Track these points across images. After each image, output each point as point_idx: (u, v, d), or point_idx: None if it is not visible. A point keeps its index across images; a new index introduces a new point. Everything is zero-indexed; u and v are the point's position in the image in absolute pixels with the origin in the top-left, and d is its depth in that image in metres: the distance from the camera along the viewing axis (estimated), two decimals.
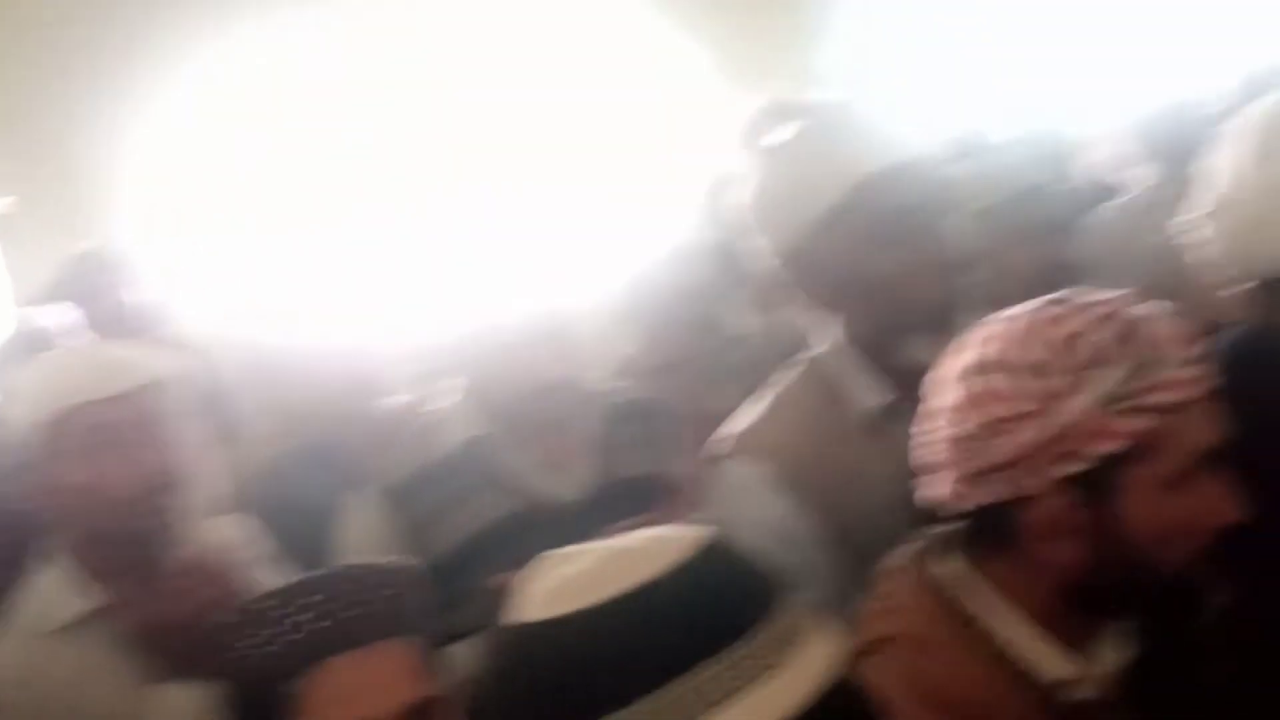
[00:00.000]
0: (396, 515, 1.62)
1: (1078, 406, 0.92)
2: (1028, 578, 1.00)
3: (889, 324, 1.34)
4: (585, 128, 4.80)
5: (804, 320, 1.44)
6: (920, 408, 1.07)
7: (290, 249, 3.26)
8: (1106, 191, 3.43)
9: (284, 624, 1.09)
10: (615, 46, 4.77)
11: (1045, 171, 1.96)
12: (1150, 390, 0.92)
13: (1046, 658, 0.99)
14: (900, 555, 1.09)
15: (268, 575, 1.50)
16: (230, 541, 1.58)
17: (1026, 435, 0.93)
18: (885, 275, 1.32)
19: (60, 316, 2.30)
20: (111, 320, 2.45)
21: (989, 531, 1.01)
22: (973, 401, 0.97)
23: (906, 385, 1.29)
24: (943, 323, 1.28)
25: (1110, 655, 1.02)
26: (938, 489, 1.03)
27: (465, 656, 1.29)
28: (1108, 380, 0.92)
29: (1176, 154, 2.83)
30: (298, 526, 1.64)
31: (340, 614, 1.09)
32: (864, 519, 1.26)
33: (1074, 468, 0.93)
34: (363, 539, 1.63)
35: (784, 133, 1.39)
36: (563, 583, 0.71)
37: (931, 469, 1.03)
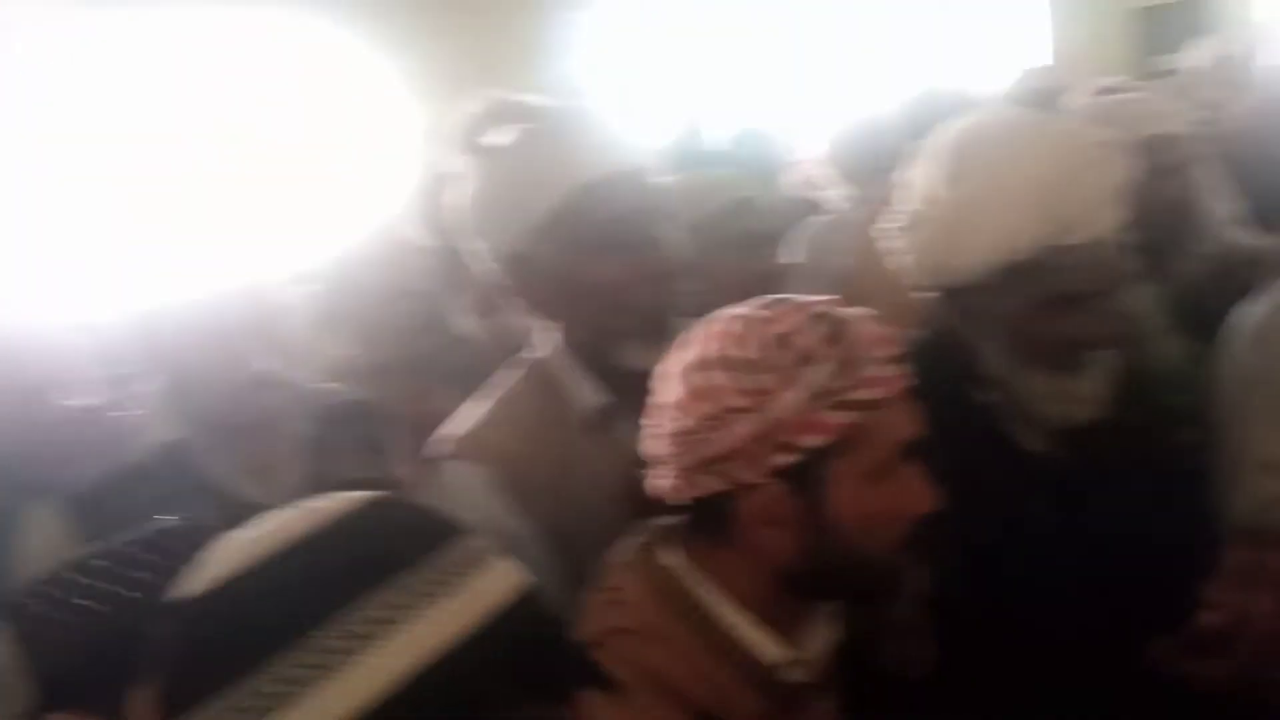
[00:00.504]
0: (83, 527, 1.47)
1: (790, 402, 0.97)
2: (744, 566, 1.04)
3: (607, 329, 1.36)
4: (287, 124, 4.66)
5: (524, 323, 1.44)
6: (638, 409, 1.10)
7: None
8: (811, 206, 3.68)
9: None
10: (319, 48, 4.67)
11: (756, 184, 2.06)
12: (855, 387, 0.98)
13: (763, 643, 1.04)
14: (626, 548, 1.12)
15: None
16: None
17: (742, 429, 0.98)
18: (604, 282, 1.33)
19: None
20: None
21: (708, 522, 1.05)
22: (693, 396, 1.01)
23: (624, 388, 1.32)
24: (659, 329, 1.31)
25: (819, 639, 1.08)
26: (661, 482, 1.05)
27: None
28: (817, 377, 0.97)
29: (866, 174, 3.08)
30: None
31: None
32: (587, 517, 1.27)
33: (786, 460, 0.98)
34: (45, 553, 1.46)
35: (504, 135, 1.38)
36: (227, 551, 0.70)
37: (656, 462, 1.06)
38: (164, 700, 0.67)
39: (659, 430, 1.06)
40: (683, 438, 1.02)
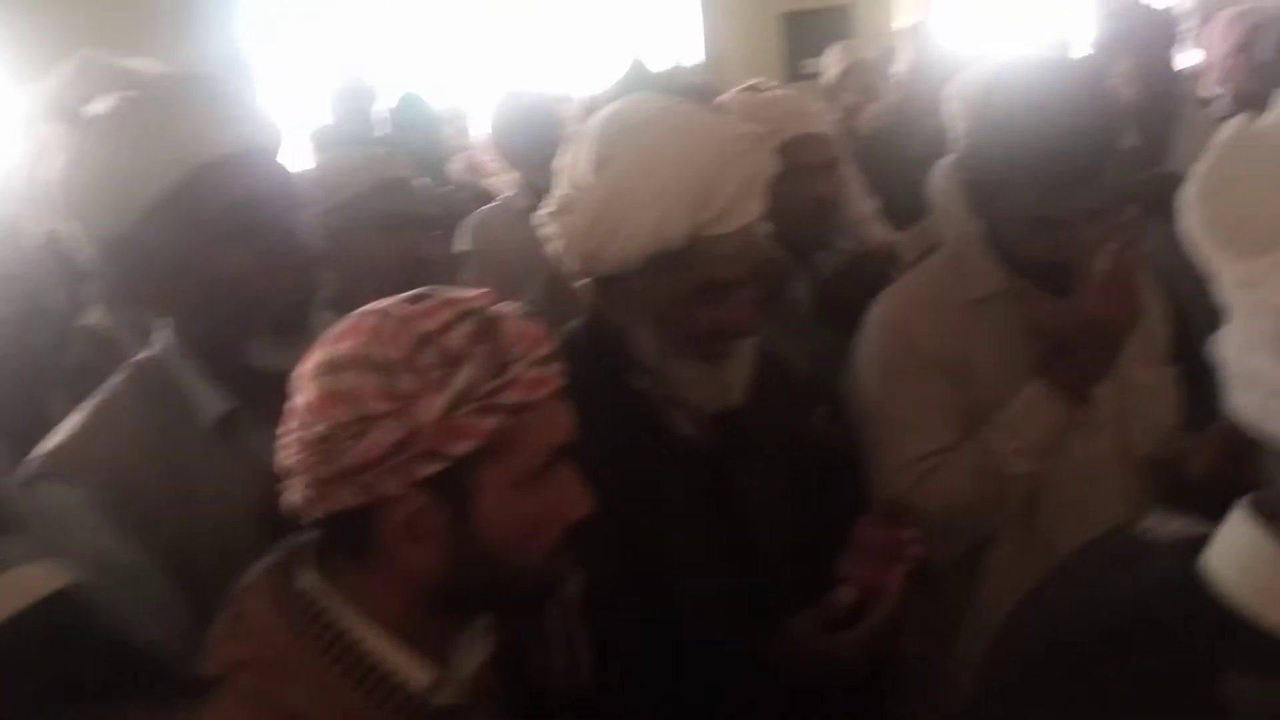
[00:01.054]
0: None
1: (434, 406, 0.89)
2: (387, 586, 0.96)
3: (231, 325, 1.21)
4: None
5: (135, 318, 1.27)
6: (273, 415, 0.99)
7: None
8: (482, 192, 3.61)
9: None
10: None
11: (410, 165, 1.93)
12: (505, 389, 0.92)
13: (409, 668, 0.96)
14: (255, 571, 1.00)
15: None
16: None
17: (382, 436, 0.89)
18: (224, 273, 1.18)
19: None
20: None
21: (347, 539, 0.96)
22: (328, 400, 0.91)
23: (255, 391, 1.18)
24: (295, 325, 1.20)
25: (471, 655, 1.02)
26: (295, 495, 0.95)
27: None
28: (464, 379, 0.90)
29: (531, 160, 3.05)
30: None
31: None
32: (215, 538, 1.13)
33: (431, 469, 0.91)
34: None
35: (105, 103, 1.19)
36: None
37: (289, 474, 0.95)
38: None
39: (291, 438, 0.95)
40: (317, 446, 0.92)
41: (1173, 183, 2.16)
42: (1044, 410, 1.54)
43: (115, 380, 1.26)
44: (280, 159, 1.26)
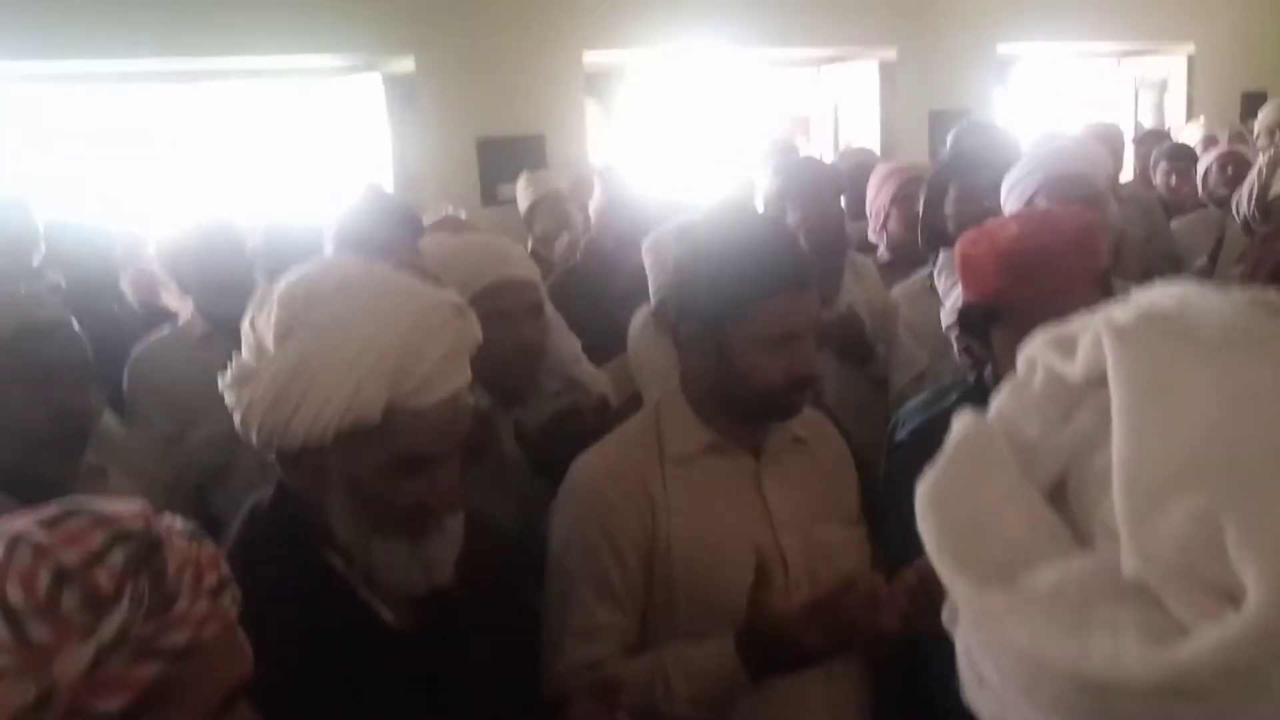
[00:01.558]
0: None
1: (77, 658, 0.74)
2: None
3: None
4: None
5: None
6: None
7: None
8: (156, 316, 3.29)
9: None
10: None
11: (58, 307, 1.70)
12: (165, 630, 0.78)
13: None
14: None
15: None
16: None
17: (10, 697, 0.73)
18: None
19: None
20: None
21: None
22: None
23: None
24: None
25: None
26: None
27: None
28: (113, 623, 0.76)
29: (206, 287, 2.83)
30: None
31: None
32: None
33: None
34: None
35: None
36: None
37: None
38: None
39: None
40: None
41: (847, 321, 2.31)
42: (728, 672, 1.51)
43: None
44: None
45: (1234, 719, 0.50)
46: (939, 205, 2.87)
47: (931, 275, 2.77)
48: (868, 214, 3.54)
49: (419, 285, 1.31)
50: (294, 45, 4.95)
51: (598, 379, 2.25)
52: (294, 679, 0.89)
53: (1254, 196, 2.94)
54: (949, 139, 4.39)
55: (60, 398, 1.62)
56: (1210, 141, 5.12)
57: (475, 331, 1.31)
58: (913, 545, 1.29)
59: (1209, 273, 3.70)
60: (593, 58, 5.72)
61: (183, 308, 3.06)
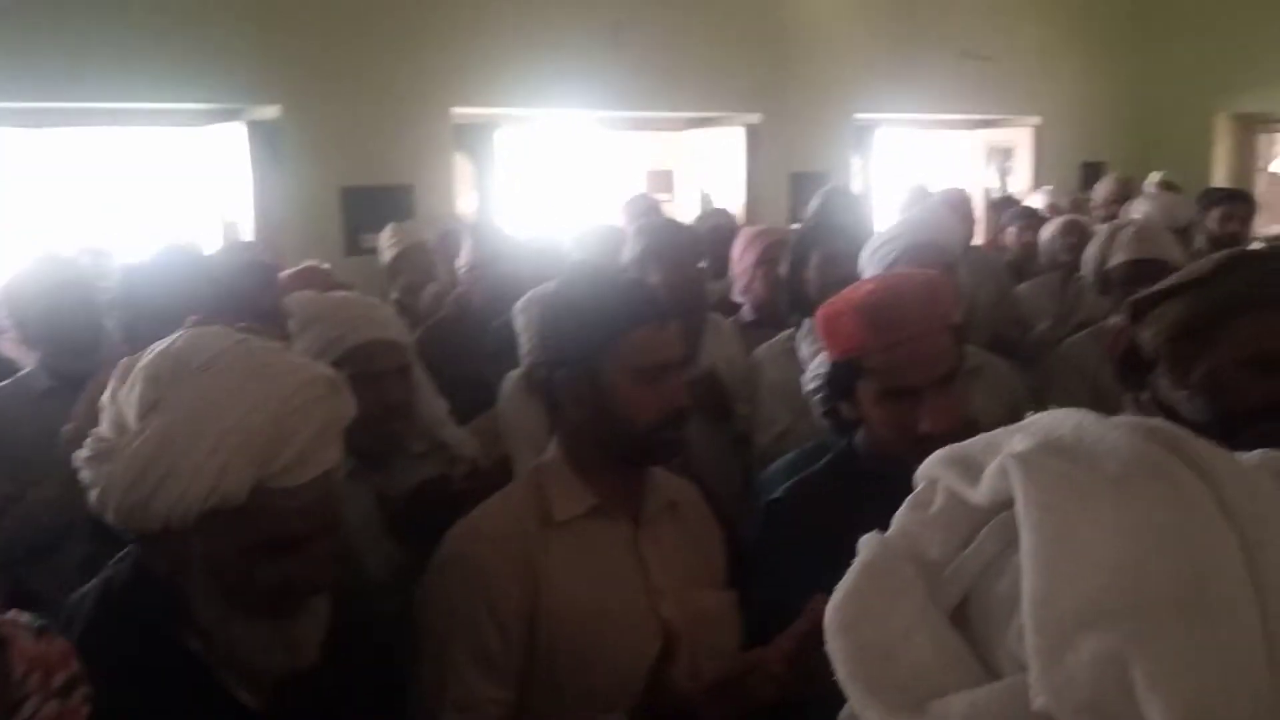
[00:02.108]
0: None
1: None
2: None
3: None
4: None
5: None
6: None
7: None
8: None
9: None
10: None
11: None
12: None
13: None
14: None
15: None
16: None
17: None
18: None
19: None
20: None
21: None
22: None
23: None
24: None
25: None
26: None
27: None
28: None
29: (53, 338, 2.70)
30: None
31: None
32: None
33: None
34: None
35: None
36: None
37: None
38: None
39: None
40: None
41: (708, 381, 2.36)
42: None
43: None
44: None
45: None
46: (802, 269, 2.96)
47: (794, 336, 2.85)
48: (732, 275, 3.62)
49: (292, 360, 1.27)
50: (157, 89, 4.80)
51: (465, 441, 2.23)
52: None
53: (1095, 266, 3.11)
54: (812, 205, 4.54)
55: None
56: (1053, 209, 5.43)
57: (349, 406, 1.28)
58: (787, 605, 1.32)
59: (1053, 334, 3.89)
60: (462, 111, 5.72)
61: (25, 357, 2.91)
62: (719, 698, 1.43)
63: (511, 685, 1.59)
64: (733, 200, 6.87)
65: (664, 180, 7.85)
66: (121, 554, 1.30)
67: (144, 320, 2.40)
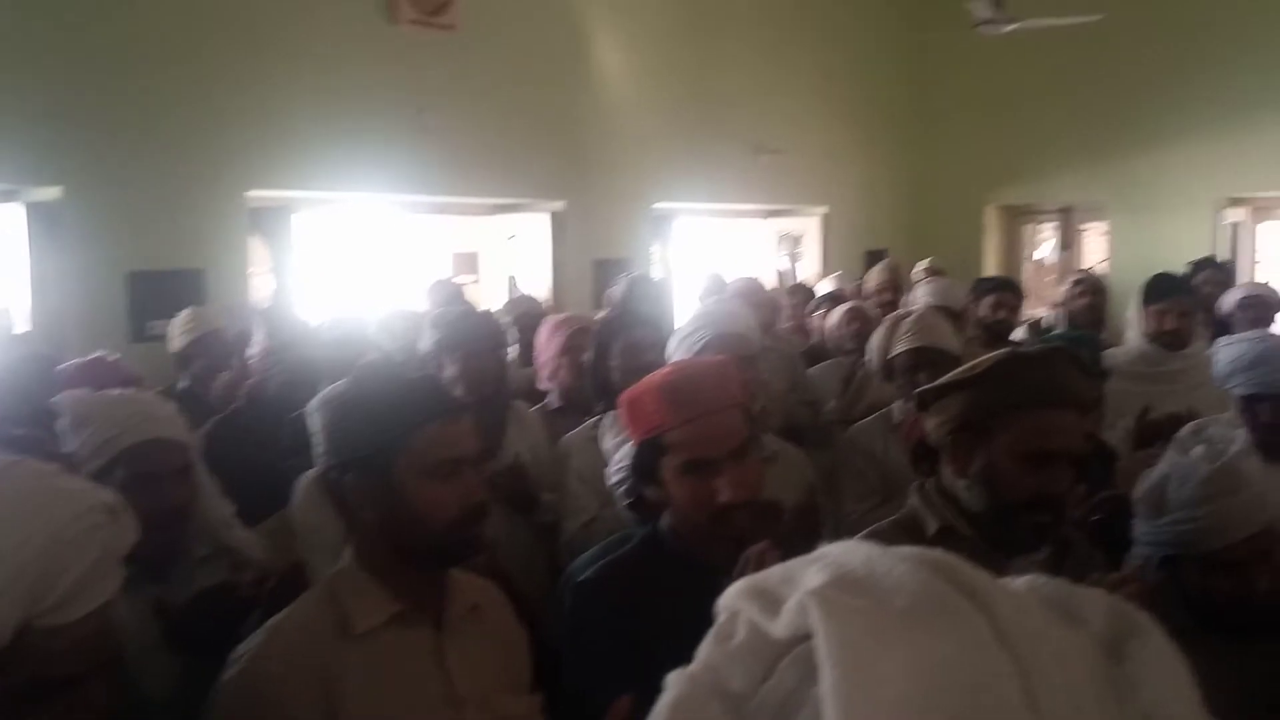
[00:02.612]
0: None
1: None
2: None
3: None
4: None
5: None
6: None
7: None
8: None
9: None
10: None
11: None
12: None
13: None
14: None
15: None
16: None
17: None
18: None
19: None
20: None
21: None
22: None
23: None
24: None
25: None
26: None
27: None
28: None
29: None
30: None
31: None
32: None
33: None
34: None
35: None
36: None
37: None
38: None
39: None
40: None
41: (513, 472, 2.35)
42: None
43: None
44: None
45: None
46: (606, 357, 3.01)
47: (599, 424, 2.88)
48: (537, 364, 3.64)
49: (68, 485, 1.17)
50: None
51: (252, 544, 2.12)
52: None
53: (879, 355, 3.28)
54: (616, 294, 4.64)
55: None
56: (838, 296, 5.71)
57: (130, 532, 1.19)
58: (596, 698, 1.31)
59: (841, 415, 4.08)
60: (258, 194, 5.57)
61: None
62: None
63: None
64: (539, 285, 6.93)
65: (470, 262, 7.85)
66: None
67: None
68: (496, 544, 2.39)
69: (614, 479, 1.98)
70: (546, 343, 3.55)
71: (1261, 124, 7.69)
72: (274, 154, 5.53)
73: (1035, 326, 5.39)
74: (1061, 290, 5.22)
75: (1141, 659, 0.59)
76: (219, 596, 1.90)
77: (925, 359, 3.08)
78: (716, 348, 2.73)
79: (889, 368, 3.23)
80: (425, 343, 3.07)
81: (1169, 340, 3.71)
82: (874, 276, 5.75)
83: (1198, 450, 1.93)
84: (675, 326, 3.20)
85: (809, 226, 8.94)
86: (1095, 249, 9.14)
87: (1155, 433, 3.01)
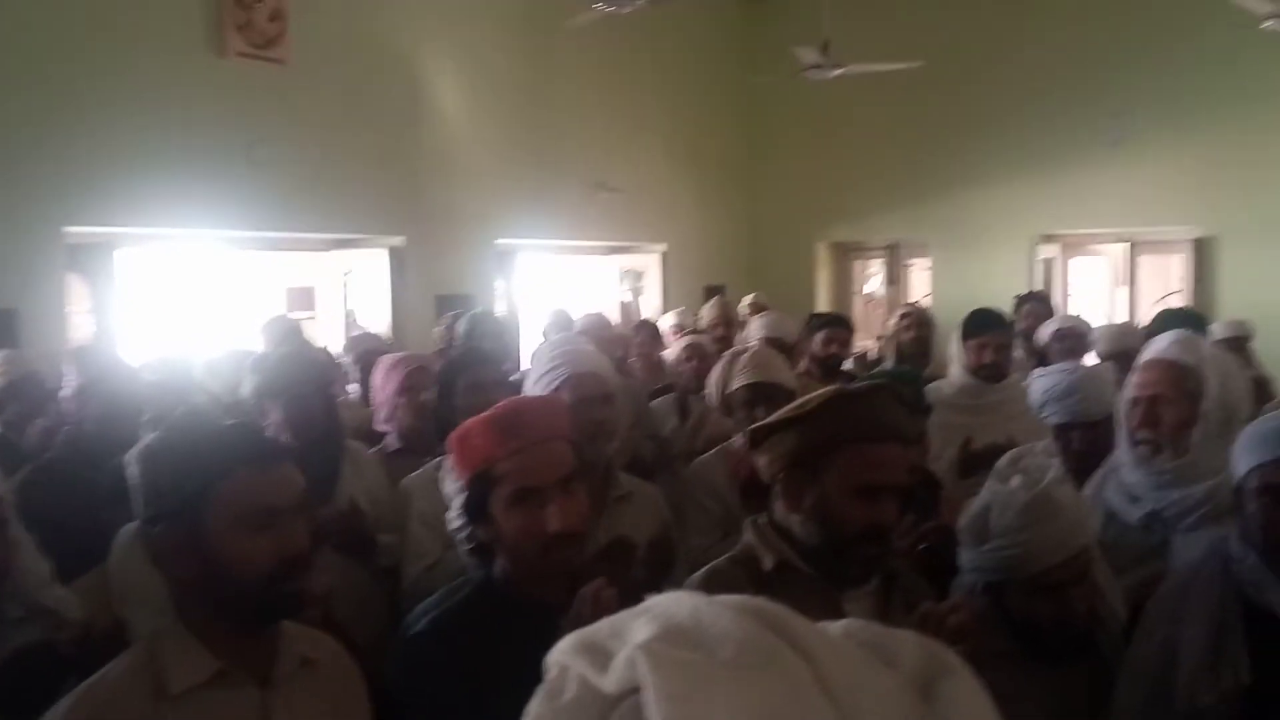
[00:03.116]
0: None
1: None
2: None
3: None
4: None
5: None
6: None
7: None
8: None
9: None
10: None
11: None
12: None
13: None
14: None
15: None
16: None
17: None
18: None
19: None
20: None
21: None
22: None
23: None
24: None
25: None
26: None
27: None
28: None
29: None
30: None
31: None
32: None
33: None
34: None
35: None
36: None
37: None
38: None
39: None
40: None
41: (348, 516, 2.28)
42: None
43: None
44: None
45: None
46: (450, 396, 2.97)
47: (441, 465, 2.83)
48: (374, 404, 3.56)
49: None
50: None
51: (70, 604, 2.00)
52: None
53: (718, 390, 3.35)
54: (458, 330, 4.58)
55: None
56: (678, 330, 5.81)
57: None
58: None
59: (681, 447, 4.13)
60: (77, 230, 5.29)
61: None
62: None
63: None
64: (379, 321, 6.80)
65: (306, 298, 7.65)
66: None
67: None
68: (331, 593, 2.32)
69: (454, 524, 1.95)
70: (383, 383, 3.48)
71: (1071, 166, 8.24)
72: (95, 188, 5.28)
73: (863, 360, 5.59)
74: (890, 323, 5.43)
75: (951, 698, 0.62)
76: (36, 656, 1.78)
77: (762, 394, 3.15)
78: (574, 386, 2.73)
79: (728, 402, 3.30)
80: (246, 388, 2.96)
81: (988, 373, 3.89)
82: (707, 313, 5.87)
83: (1016, 479, 2.04)
84: (520, 363, 3.19)
85: (650, 263, 9.08)
86: (920, 283, 9.57)
87: (978, 462, 3.16)
